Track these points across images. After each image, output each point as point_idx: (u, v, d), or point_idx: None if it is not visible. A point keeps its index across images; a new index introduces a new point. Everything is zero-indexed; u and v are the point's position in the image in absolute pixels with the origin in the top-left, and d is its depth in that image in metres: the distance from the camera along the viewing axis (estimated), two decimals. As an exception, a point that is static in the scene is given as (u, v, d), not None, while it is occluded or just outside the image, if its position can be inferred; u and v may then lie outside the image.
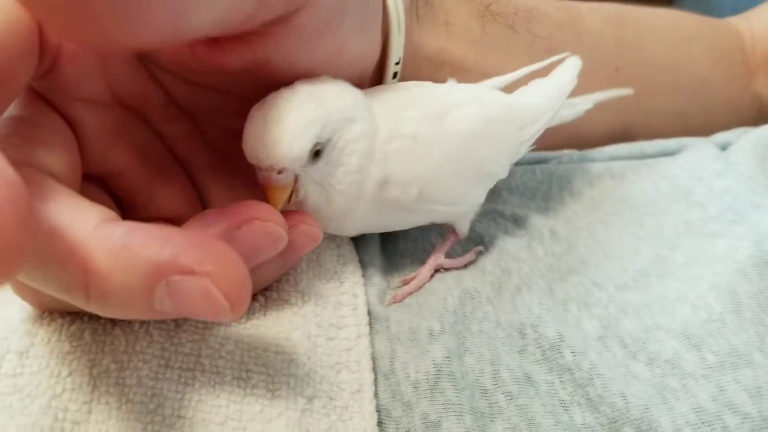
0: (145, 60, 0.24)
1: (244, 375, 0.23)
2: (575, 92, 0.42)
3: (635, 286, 0.27)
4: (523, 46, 0.37)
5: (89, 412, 0.21)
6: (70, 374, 0.22)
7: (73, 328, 0.23)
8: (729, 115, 0.43)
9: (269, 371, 0.23)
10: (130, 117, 0.24)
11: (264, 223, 0.21)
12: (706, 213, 0.30)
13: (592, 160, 0.36)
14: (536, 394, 0.24)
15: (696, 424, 0.22)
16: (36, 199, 0.18)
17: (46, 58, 0.21)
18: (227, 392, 0.23)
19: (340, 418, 0.23)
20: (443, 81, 0.28)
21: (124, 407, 0.21)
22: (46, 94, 0.22)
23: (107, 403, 0.22)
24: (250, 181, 0.24)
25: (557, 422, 0.24)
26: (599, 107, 0.43)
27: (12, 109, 0.21)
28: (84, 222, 0.18)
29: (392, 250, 0.31)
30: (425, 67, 0.33)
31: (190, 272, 0.17)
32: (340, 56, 0.24)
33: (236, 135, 0.23)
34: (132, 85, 0.24)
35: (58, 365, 0.22)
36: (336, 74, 0.24)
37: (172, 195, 0.25)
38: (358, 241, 0.30)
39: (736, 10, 0.47)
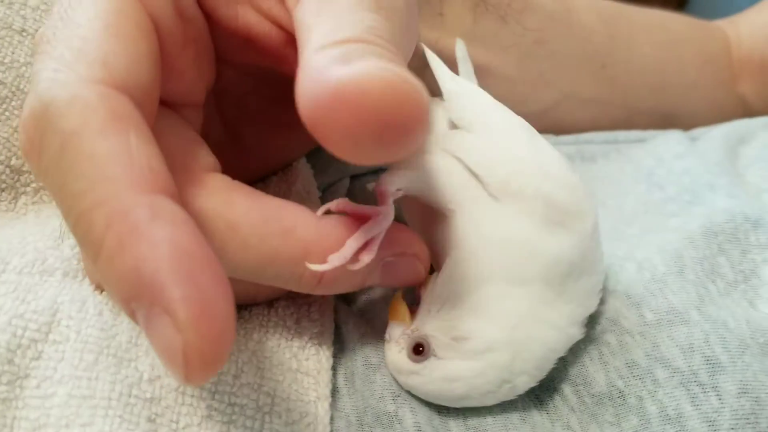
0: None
1: None
2: (561, 86, 0.43)
3: None
4: (512, 38, 0.37)
5: (48, 332, 0.22)
6: (35, 299, 0.23)
7: (46, 264, 0.25)
8: (715, 118, 0.44)
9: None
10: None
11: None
12: (665, 194, 0.30)
13: (565, 143, 0.36)
14: None
15: (627, 378, 0.23)
16: (251, 203, 0.20)
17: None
18: None
19: (296, 356, 0.24)
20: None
21: (83, 332, 0.22)
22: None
23: (67, 326, 0.23)
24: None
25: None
26: (584, 102, 0.43)
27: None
28: (306, 219, 0.21)
29: None
30: (416, 60, 0.32)
31: (403, 254, 0.22)
32: None
33: (247, 114, 0.27)
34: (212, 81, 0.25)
35: (24, 292, 0.23)
36: None
37: None
38: None
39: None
